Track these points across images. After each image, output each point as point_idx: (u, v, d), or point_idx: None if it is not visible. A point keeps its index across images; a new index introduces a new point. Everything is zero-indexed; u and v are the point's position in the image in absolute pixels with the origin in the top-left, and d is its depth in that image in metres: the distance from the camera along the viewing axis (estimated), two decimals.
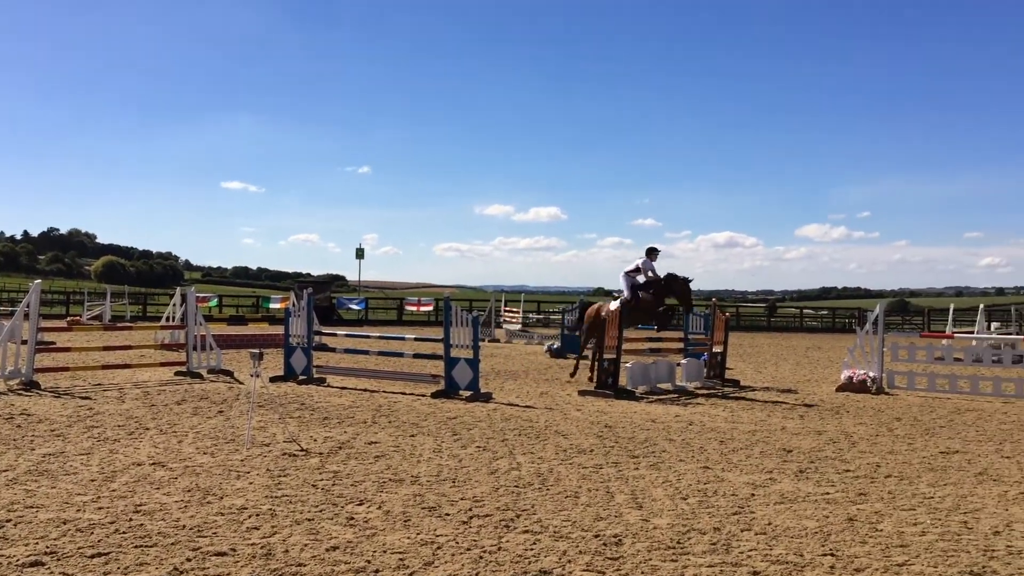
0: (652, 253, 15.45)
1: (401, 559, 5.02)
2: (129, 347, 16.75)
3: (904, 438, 10.15)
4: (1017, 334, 28.69)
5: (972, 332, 25.69)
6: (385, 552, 5.16)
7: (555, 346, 23.06)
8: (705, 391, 15.02)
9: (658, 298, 15.19)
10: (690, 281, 15.35)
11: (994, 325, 33.01)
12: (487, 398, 12.88)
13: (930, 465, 8.47)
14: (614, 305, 14.66)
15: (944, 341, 20.02)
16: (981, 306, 29.45)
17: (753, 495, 6.94)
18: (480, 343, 13.87)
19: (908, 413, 12.46)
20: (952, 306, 32.76)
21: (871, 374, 15.18)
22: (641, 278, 15.37)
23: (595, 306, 16.01)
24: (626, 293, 15.11)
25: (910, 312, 64.14)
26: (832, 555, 5.32)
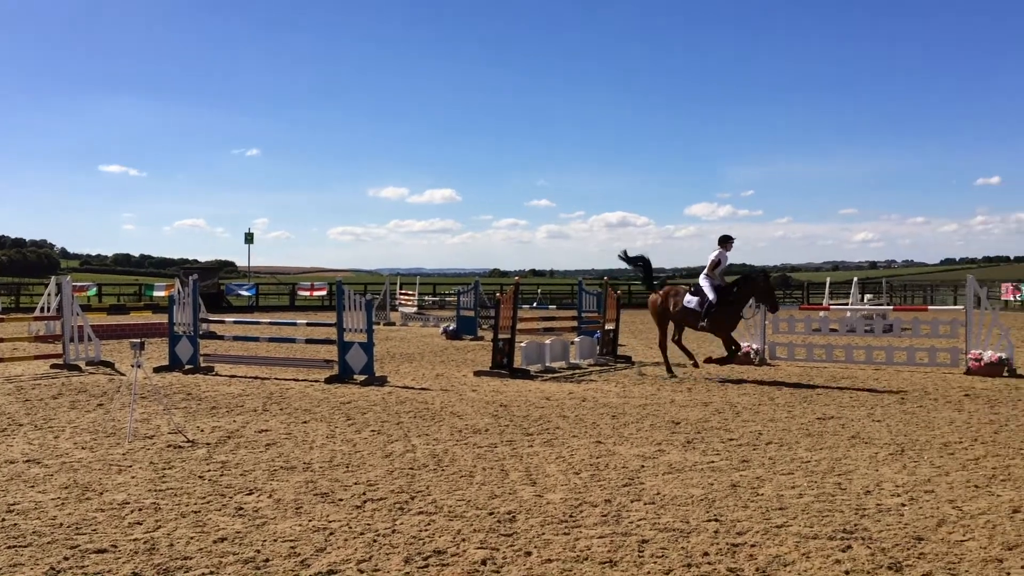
0: (727, 242, 13.80)
1: (292, 547, 4.94)
2: (0, 340, 15.86)
3: (784, 406, 10.61)
4: (887, 305, 30.34)
5: (847, 304, 27.02)
6: (276, 541, 5.06)
7: (451, 328, 23.06)
8: (598, 367, 15.31)
9: (742, 301, 13.68)
10: (771, 276, 14.08)
11: (867, 297, 34.81)
12: (382, 382, 12.78)
13: (808, 431, 8.88)
14: (691, 301, 13.63)
15: (821, 313, 21.01)
16: (855, 279, 30.98)
17: (643, 467, 7.13)
18: (375, 327, 13.74)
19: (788, 382, 13.01)
20: (829, 280, 34.37)
21: (754, 346, 15.77)
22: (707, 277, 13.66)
23: (661, 293, 14.46)
24: (711, 296, 13.37)
25: (791, 286, 66.90)
26: (716, 520, 5.53)
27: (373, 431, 8.74)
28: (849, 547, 5.01)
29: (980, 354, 13.90)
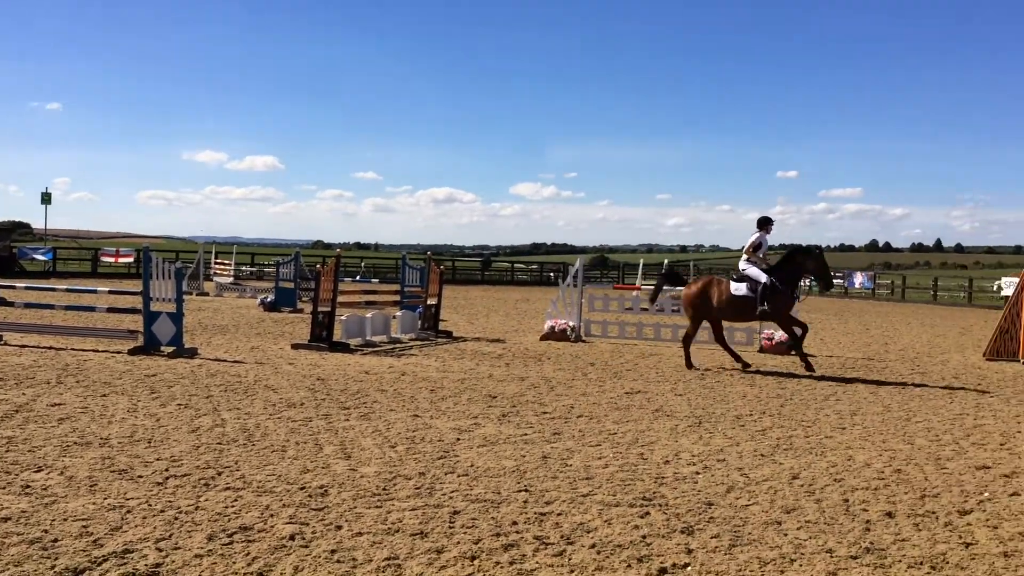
0: (767, 224, 13.03)
1: (84, 526, 4.66)
2: None
3: (596, 381, 11.06)
4: None
5: None
6: (66, 520, 4.75)
7: (269, 299, 22.36)
8: (420, 342, 15.34)
9: (796, 279, 12.99)
10: (822, 251, 13.21)
11: None
12: (192, 353, 12.23)
13: (616, 405, 9.31)
14: (739, 288, 12.54)
15: (633, 293, 21.96)
16: (666, 261, 32.69)
17: (459, 440, 7.23)
18: (186, 297, 13.11)
19: (601, 358, 13.57)
20: (642, 261, 36.04)
21: (571, 323, 16.31)
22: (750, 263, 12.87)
23: (699, 285, 13.33)
24: (763, 279, 12.39)
25: (608, 267, 69.59)
26: (526, 491, 5.70)
27: (180, 405, 8.36)
28: (647, 513, 5.31)
29: (772, 333, 15.02)
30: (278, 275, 23.33)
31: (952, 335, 20.89)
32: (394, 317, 16.17)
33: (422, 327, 16.42)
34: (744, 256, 12.96)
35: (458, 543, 4.65)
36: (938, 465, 6.89)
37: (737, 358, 12.99)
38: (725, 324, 13.56)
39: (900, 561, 4.61)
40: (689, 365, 12.87)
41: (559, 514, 5.22)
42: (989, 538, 5.05)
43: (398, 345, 14.72)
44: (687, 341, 13.25)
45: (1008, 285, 34.34)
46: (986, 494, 6.03)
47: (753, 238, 12.92)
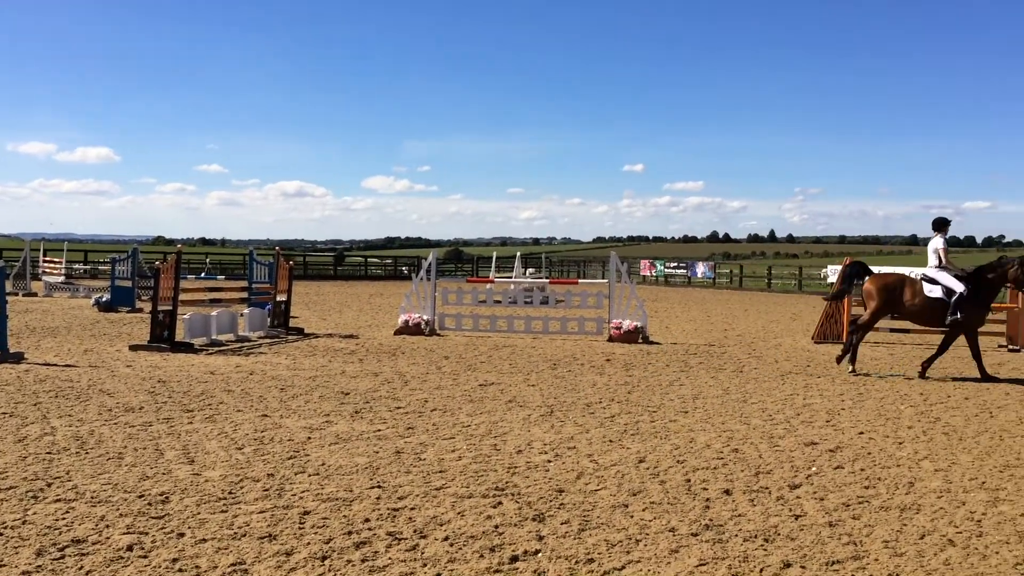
0: (945, 225, 12.10)
1: None
2: None
3: (450, 374, 11.08)
4: (546, 279, 32.81)
5: (511, 277, 28.80)
6: None
7: (104, 299, 21.12)
8: (269, 340, 14.91)
9: (994, 292, 12.01)
10: None
11: (529, 271, 37.36)
12: (18, 358, 11.40)
13: (470, 397, 9.37)
14: (933, 290, 11.66)
15: (487, 285, 22.15)
16: (518, 254, 33.13)
17: (309, 438, 7.08)
18: (11, 298, 12.20)
19: (455, 351, 13.62)
20: (495, 254, 36.39)
21: (425, 317, 16.28)
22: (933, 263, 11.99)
23: (892, 279, 12.32)
24: (959, 288, 11.49)
25: (463, 260, 69.86)
26: (379, 487, 5.65)
27: (4, 414, 7.77)
28: (500, 503, 5.38)
29: (620, 323, 15.52)
30: (114, 273, 22.06)
31: (784, 321, 22.21)
32: (241, 315, 15.64)
33: (272, 324, 15.96)
34: (936, 263, 11.95)
35: (308, 544, 4.55)
36: (771, 443, 7.31)
37: (853, 358, 12.12)
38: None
39: (736, 536, 4.87)
40: (852, 359, 12.05)
41: (412, 508, 5.20)
42: (816, 509, 5.41)
43: (246, 344, 14.24)
44: (861, 333, 12.28)
45: (833, 272, 36.90)
46: (814, 468, 6.46)
47: (940, 245, 11.95)
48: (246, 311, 15.78)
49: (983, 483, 6.14)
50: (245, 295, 17.76)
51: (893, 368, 12.70)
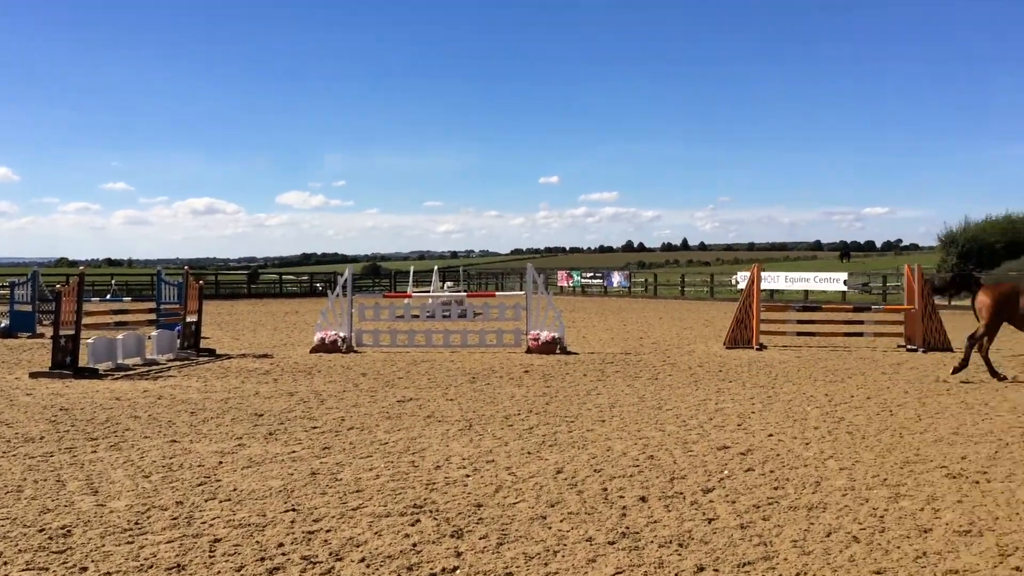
0: None
1: None
2: None
3: (368, 391, 10.96)
4: (463, 292, 32.79)
5: (429, 291, 28.68)
6: None
7: (2, 324, 20.20)
8: (179, 362, 14.49)
9: None
10: None
11: (447, 284, 37.28)
12: None
13: (388, 414, 9.28)
14: None
15: (405, 300, 22.04)
16: (436, 267, 33.03)
17: (221, 463, 6.90)
18: None
19: (373, 368, 13.48)
20: (413, 268, 36.19)
21: (341, 334, 16.07)
22: None
23: (1005, 289, 12.26)
24: None
25: (380, 275, 69.27)
26: (294, 510, 5.54)
27: None
28: (418, 520, 5.34)
29: (538, 334, 15.62)
30: (13, 297, 21.13)
31: (697, 327, 22.71)
32: (149, 337, 15.16)
33: (182, 346, 15.52)
34: None
35: (219, 573, 4.43)
36: (685, 449, 7.46)
37: (993, 372, 12.02)
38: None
39: (652, 542, 4.94)
40: (995, 374, 11.95)
41: (328, 531, 5.12)
42: (728, 512, 5.53)
43: (154, 367, 13.81)
44: (985, 346, 12.09)
45: (743, 279, 37.90)
46: (726, 472, 6.61)
47: None
48: (154, 333, 15.31)
49: (885, 480, 6.39)
50: (153, 317, 17.24)
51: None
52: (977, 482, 6.30)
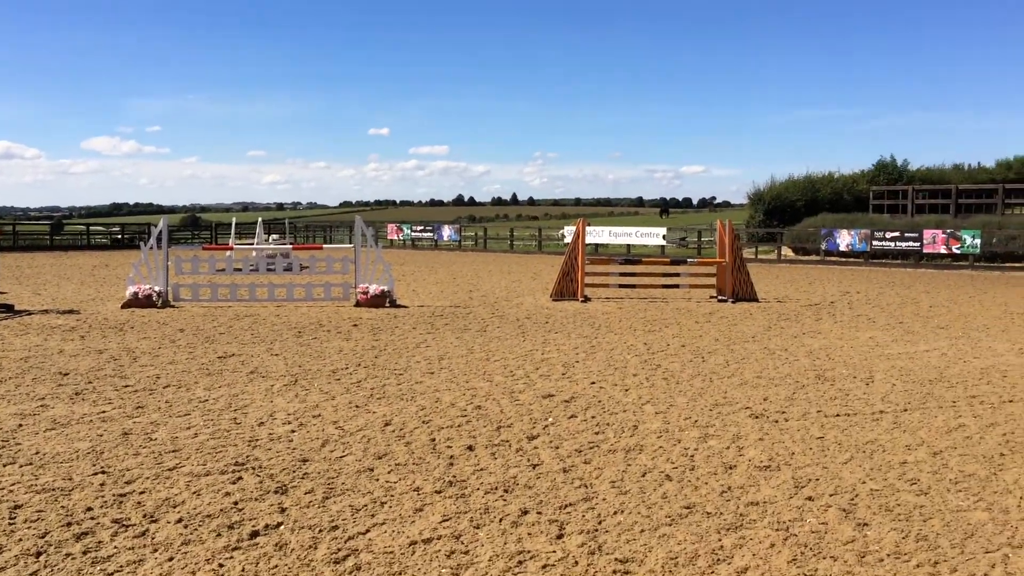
0: None
1: None
2: None
3: (186, 347, 10.48)
4: (290, 245, 31.85)
5: (253, 244, 27.66)
6: None
7: None
8: None
9: None
10: None
11: (272, 237, 36.10)
12: None
13: (208, 370, 8.92)
14: None
15: (227, 253, 21.16)
16: (260, 219, 31.87)
17: (21, 426, 6.41)
18: None
19: (192, 324, 12.88)
20: (235, 220, 34.73)
21: (156, 288, 15.23)
22: None
23: None
24: None
25: (201, 227, 66.01)
26: (104, 472, 5.24)
27: None
28: (240, 478, 5.18)
29: (367, 288, 15.43)
30: None
31: (525, 280, 23.16)
32: None
33: None
34: None
35: (20, 540, 4.13)
36: (512, 398, 7.63)
37: None
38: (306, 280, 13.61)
39: (478, 489, 5.04)
40: None
41: (142, 492, 4.88)
42: (552, 458, 5.72)
43: None
44: None
45: (569, 233, 38.95)
46: (550, 419, 6.82)
47: None
48: None
49: (696, 422, 6.80)
50: None
51: None
52: (776, 421, 6.82)
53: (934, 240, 29.29)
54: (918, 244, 29.64)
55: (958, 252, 28.77)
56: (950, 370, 9.21)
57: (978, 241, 28.32)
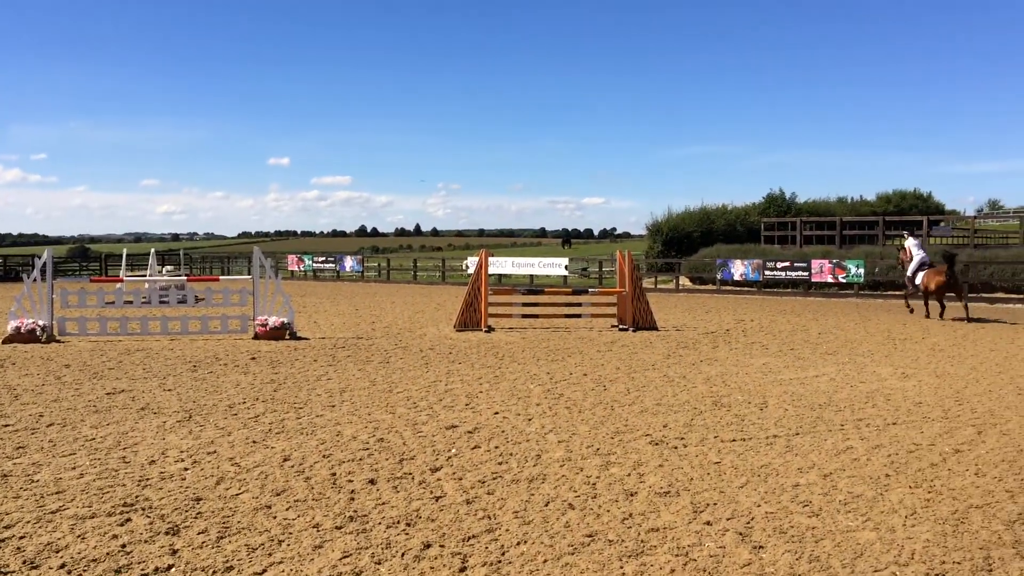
0: None
1: None
2: None
3: (72, 384, 10.00)
4: (184, 276, 30.90)
5: (145, 276, 26.71)
6: None
7: None
8: None
9: None
10: None
11: (166, 268, 34.95)
12: None
13: (95, 407, 8.53)
14: None
15: (117, 285, 20.38)
16: (152, 250, 30.83)
17: None
18: None
19: (78, 359, 12.32)
20: (126, 251, 33.50)
21: (40, 322, 14.52)
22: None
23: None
24: None
25: (90, 258, 63.39)
26: None
27: None
28: (129, 519, 4.96)
29: (266, 319, 15.07)
30: None
31: (429, 311, 23.06)
32: None
33: None
34: None
35: None
36: (415, 430, 7.55)
37: None
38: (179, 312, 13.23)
39: (380, 523, 4.95)
40: None
41: (22, 537, 4.62)
42: (455, 489, 5.68)
43: None
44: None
45: (472, 264, 39.03)
46: (453, 450, 6.78)
47: None
48: None
49: (598, 449, 6.87)
50: None
51: None
52: (676, 447, 6.96)
53: (821, 270, 30.58)
54: (807, 273, 30.89)
55: (844, 281, 30.09)
56: (838, 394, 9.59)
57: (862, 271, 29.70)
